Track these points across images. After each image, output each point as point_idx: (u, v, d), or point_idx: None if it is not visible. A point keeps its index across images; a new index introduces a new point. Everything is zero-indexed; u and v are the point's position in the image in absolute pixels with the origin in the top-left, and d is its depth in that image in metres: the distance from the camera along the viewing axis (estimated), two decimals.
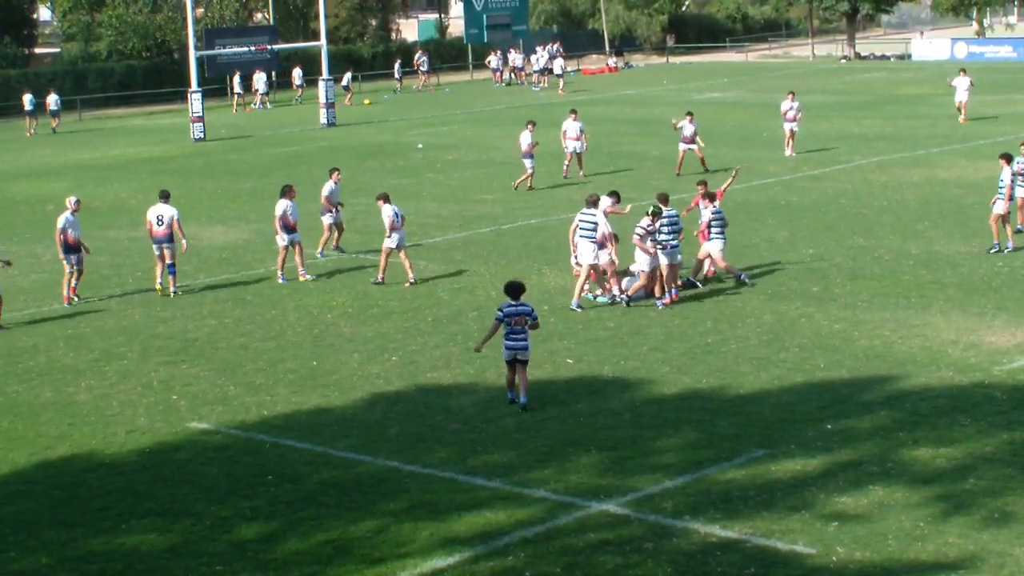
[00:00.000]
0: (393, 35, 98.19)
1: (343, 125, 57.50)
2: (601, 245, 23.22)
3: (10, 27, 78.14)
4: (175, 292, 25.40)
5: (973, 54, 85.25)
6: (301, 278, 26.16)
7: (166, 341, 22.13)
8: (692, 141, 38.79)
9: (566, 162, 38.81)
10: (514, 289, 17.90)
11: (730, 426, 16.78)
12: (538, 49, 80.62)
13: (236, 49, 64.90)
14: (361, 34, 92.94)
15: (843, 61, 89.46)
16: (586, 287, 23.57)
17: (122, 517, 14.48)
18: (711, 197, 24.44)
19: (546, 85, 75.66)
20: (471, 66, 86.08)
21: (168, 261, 25.36)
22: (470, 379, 19.35)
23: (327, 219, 28.70)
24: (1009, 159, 27.38)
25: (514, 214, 33.33)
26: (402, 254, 25.58)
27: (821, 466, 15.25)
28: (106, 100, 71.52)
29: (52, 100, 61.01)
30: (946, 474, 14.92)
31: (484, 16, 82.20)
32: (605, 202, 24.48)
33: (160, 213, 25.45)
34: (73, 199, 25.39)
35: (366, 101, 68.19)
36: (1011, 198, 27.06)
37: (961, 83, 50.07)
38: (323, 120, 57.77)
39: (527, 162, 37.09)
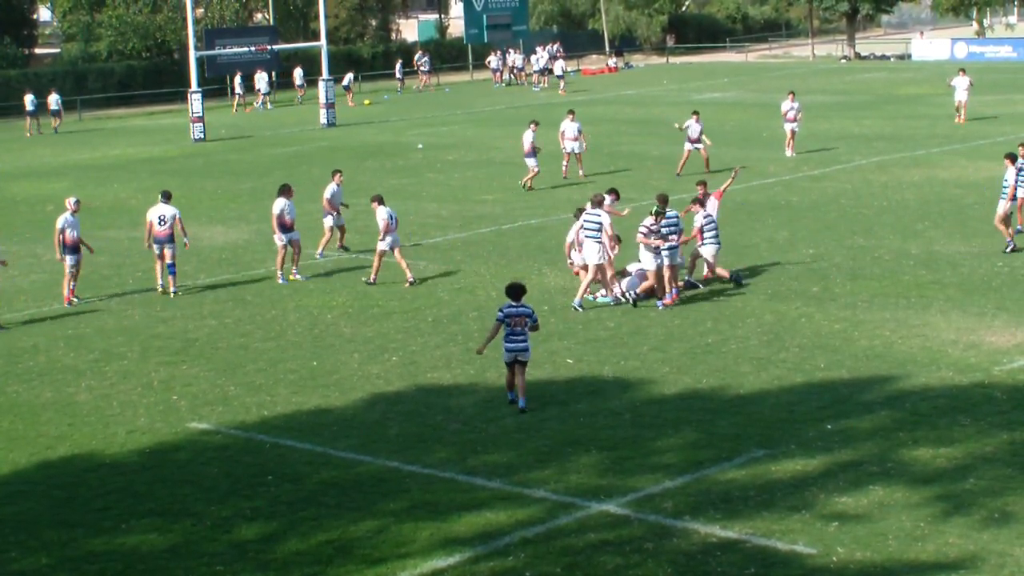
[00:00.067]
0: (393, 35, 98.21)
1: (343, 125, 57.51)
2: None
3: (10, 27, 78.16)
4: (175, 292, 25.41)
5: (973, 54, 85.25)
6: (292, 276, 26.22)
7: (166, 341, 22.14)
8: (698, 141, 38.78)
9: (564, 162, 38.81)
10: (515, 290, 17.90)
11: (730, 426, 16.78)
12: (538, 49, 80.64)
13: (236, 49, 64.93)
14: (361, 34, 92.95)
15: (843, 61, 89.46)
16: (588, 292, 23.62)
17: (122, 517, 14.48)
18: (701, 203, 24.47)
19: (546, 85, 75.67)
20: (471, 66, 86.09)
21: (168, 261, 25.38)
22: (470, 379, 19.36)
23: (328, 221, 28.70)
24: (1014, 159, 27.31)
25: (514, 214, 33.33)
26: (397, 254, 25.58)
27: (821, 466, 15.25)
28: (106, 100, 71.53)
29: (53, 100, 61.01)
30: (946, 474, 14.92)
31: (484, 16, 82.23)
32: (606, 199, 24.49)
33: (162, 213, 25.48)
34: (73, 200, 25.40)
35: (366, 101, 68.20)
36: (1013, 198, 26.97)
37: (960, 83, 50.07)
38: (323, 120, 57.78)
39: (529, 161, 37.09)
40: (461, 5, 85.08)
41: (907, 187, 35.44)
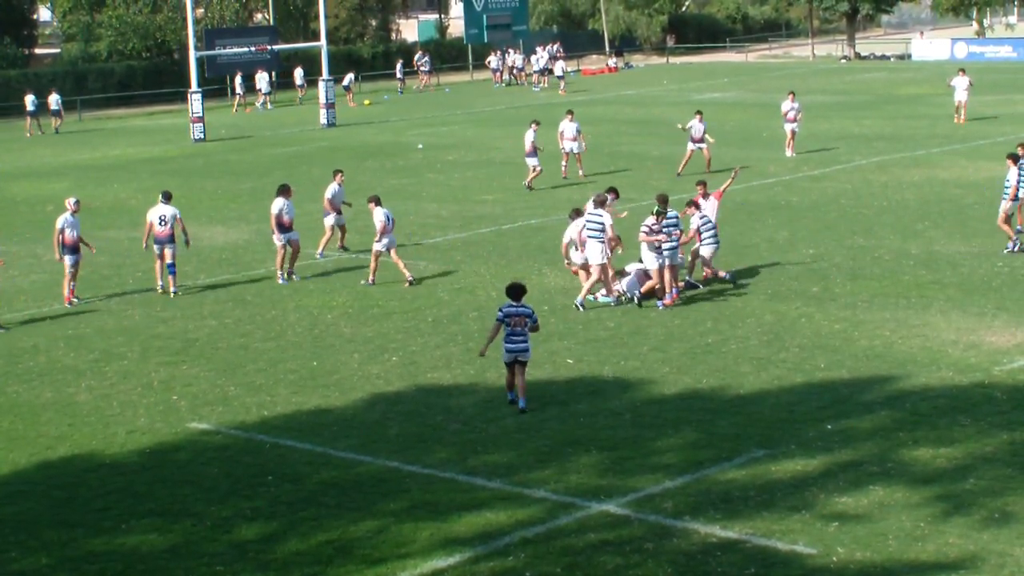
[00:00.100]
0: (393, 35, 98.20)
1: (343, 125, 57.51)
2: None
3: (10, 27, 78.15)
4: (175, 292, 25.41)
5: (973, 54, 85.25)
6: (277, 277, 26.29)
7: (166, 341, 22.14)
8: (701, 140, 38.78)
9: (563, 163, 38.81)
10: (515, 291, 17.90)
11: (730, 426, 16.78)
12: (538, 49, 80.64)
13: (236, 49, 64.92)
14: (361, 34, 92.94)
15: (843, 61, 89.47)
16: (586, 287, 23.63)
17: (122, 517, 14.48)
18: (696, 206, 24.48)
19: (546, 85, 75.67)
20: (471, 66, 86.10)
21: (168, 261, 25.39)
22: (470, 379, 19.36)
23: (329, 220, 28.71)
24: (1016, 159, 27.22)
25: (514, 214, 33.33)
26: (393, 255, 25.59)
27: (821, 466, 15.25)
28: (106, 100, 71.52)
29: (53, 100, 61.00)
30: (946, 474, 14.92)
31: (484, 16, 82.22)
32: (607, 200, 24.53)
33: (163, 213, 25.51)
34: (73, 200, 25.41)
35: (366, 102, 68.20)
36: (1015, 198, 26.89)
37: (960, 83, 50.08)
38: (323, 120, 57.78)
39: (530, 161, 37.09)
40: (461, 5, 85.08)
41: (907, 187, 35.45)
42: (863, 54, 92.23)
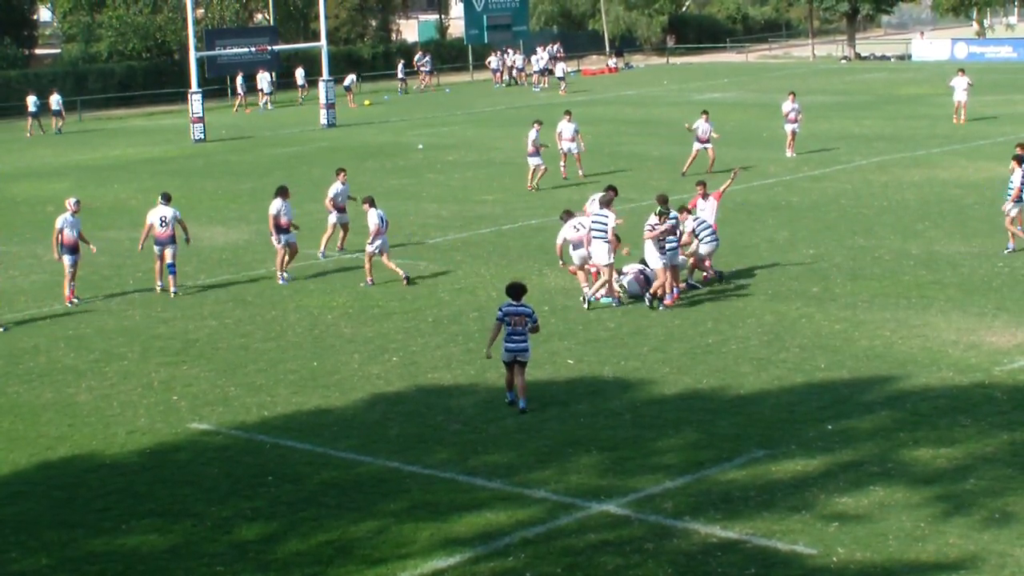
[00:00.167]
0: (393, 36, 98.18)
1: (343, 126, 57.51)
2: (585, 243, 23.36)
3: (10, 28, 78.15)
4: (175, 292, 25.42)
5: (973, 54, 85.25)
6: (276, 276, 26.34)
7: (167, 342, 22.14)
8: (707, 140, 38.79)
9: (562, 163, 38.80)
10: (515, 290, 17.89)
11: (730, 426, 16.78)
12: (538, 50, 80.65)
13: (236, 50, 64.92)
14: (361, 35, 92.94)
15: (843, 61, 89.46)
16: (585, 287, 23.62)
17: (123, 518, 14.48)
18: (689, 211, 24.50)
19: (546, 86, 75.68)
20: (471, 67, 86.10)
21: (169, 261, 25.40)
22: (471, 380, 19.36)
23: (332, 219, 28.71)
24: (1020, 161, 27.10)
25: (514, 215, 33.33)
26: (384, 259, 25.60)
27: (822, 466, 15.25)
28: (106, 101, 71.52)
29: (54, 100, 60.99)
30: (947, 474, 14.92)
31: (484, 17, 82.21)
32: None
33: (163, 214, 25.52)
34: (73, 200, 25.41)
35: (366, 102, 68.20)
36: (1018, 199, 26.76)
37: (959, 83, 50.09)
38: (323, 121, 57.77)
39: (532, 160, 37.08)
40: (461, 5, 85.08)
41: (907, 187, 35.44)
42: (863, 54, 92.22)
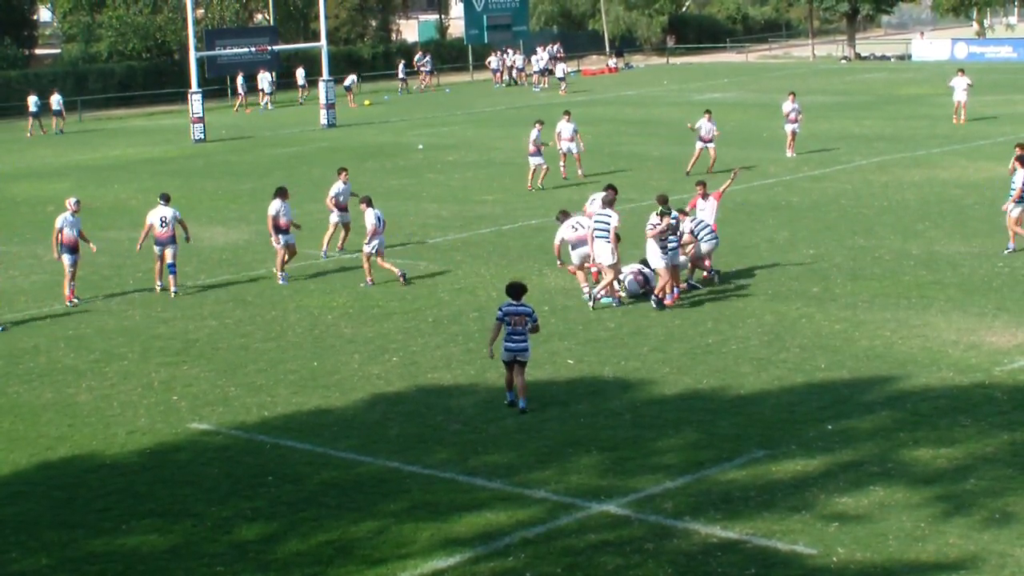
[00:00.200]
0: (393, 36, 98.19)
1: (343, 126, 57.51)
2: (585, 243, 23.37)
3: (10, 28, 78.16)
4: (175, 292, 25.42)
5: (973, 54, 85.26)
6: (276, 273, 26.33)
7: (167, 342, 22.14)
8: (710, 140, 38.80)
9: (562, 163, 38.81)
10: (515, 290, 17.89)
11: (731, 426, 16.78)
12: (538, 50, 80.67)
13: (236, 50, 64.93)
14: (361, 35, 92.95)
15: (843, 61, 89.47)
16: (585, 287, 23.65)
17: (123, 518, 14.48)
18: (685, 213, 24.52)
19: (546, 86, 75.70)
20: (471, 67, 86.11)
21: (169, 261, 25.41)
22: (471, 380, 19.36)
23: (334, 218, 28.72)
24: (1023, 161, 27.00)
25: (515, 215, 33.33)
26: (379, 258, 25.61)
27: (822, 466, 15.25)
28: (106, 101, 71.53)
29: (55, 101, 61.00)
30: (947, 474, 14.92)
31: (484, 17, 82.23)
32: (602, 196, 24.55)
33: (163, 215, 25.53)
34: (73, 200, 25.43)
35: (366, 102, 68.21)
36: (1021, 199, 26.68)
37: (959, 83, 50.10)
38: (323, 121, 57.77)
39: (533, 160, 37.07)
40: (461, 6, 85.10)
41: (907, 187, 35.44)
42: (863, 54, 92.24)
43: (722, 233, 26.44)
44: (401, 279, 25.42)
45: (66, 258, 24.75)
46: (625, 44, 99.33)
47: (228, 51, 65.16)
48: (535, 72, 77.98)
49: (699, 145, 39.00)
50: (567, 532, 13.72)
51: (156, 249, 25.59)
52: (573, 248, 23.83)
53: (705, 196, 25.57)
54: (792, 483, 14.75)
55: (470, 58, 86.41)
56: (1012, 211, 26.57)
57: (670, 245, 22.89)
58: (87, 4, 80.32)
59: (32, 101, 60.21)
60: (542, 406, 17.79)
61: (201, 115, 54.09)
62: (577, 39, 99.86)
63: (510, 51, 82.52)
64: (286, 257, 26.35)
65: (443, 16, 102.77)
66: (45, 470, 16.22)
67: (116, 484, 15.56)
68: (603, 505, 14.36)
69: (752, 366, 19.43)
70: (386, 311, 23.65)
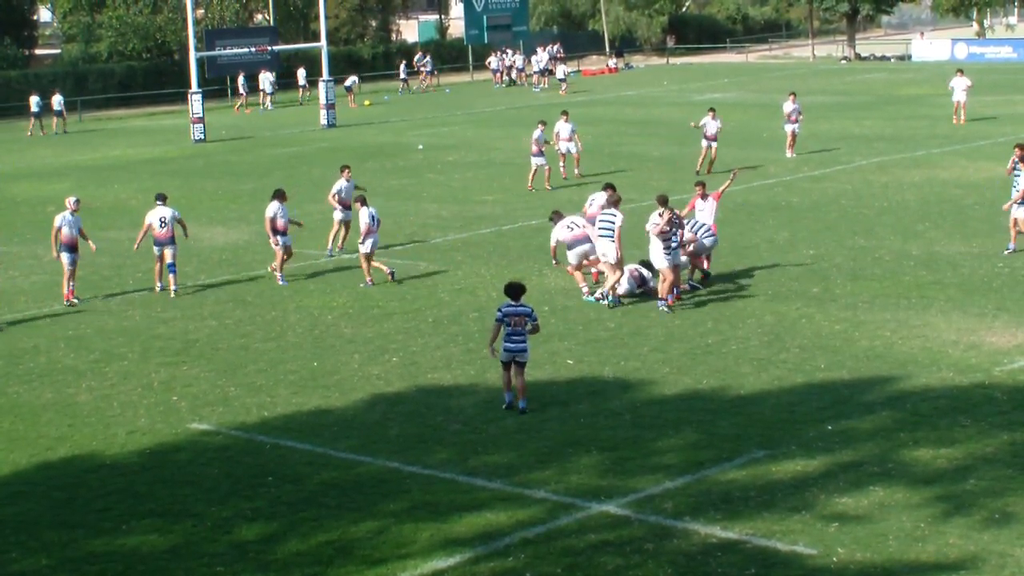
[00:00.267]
0: (393, 36, 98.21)
1: (343, 126, 57.51)
2: (586, 240, 23.36)
3: (10, 28, 78.17)
4: (175, 291, 25.42)
5: (973, 55, 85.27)
6: (273, 272, 26.36)
7: (167, 342, 22.14)
8: (715, 138, 38.80)
9: (561, 164, 38.81)
10: (514, 290, 17.87)
11: (731, 427, 16.78)
12: (538, 50, 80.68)
13: (236, 50, 64.94)
14: (361, 35, 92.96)
15: (843, 62, 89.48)
16: (584, 287, 23.65)
17: (123, 518, 14.48)
18: (680, 218, 24.55)
19: (547, 86, 75.71)
20: (471, 67, 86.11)
21: (169, 261, 25.41)
22: (471, 380, 19.36)
23: (337, 216, 28.73)
24: None
25: (515, 215, 33.33)
26: (371, 259, 25.65)
27: (822, 467, 15.25)
28: (107, 101, 71.53)
29: (56, 101, 61.01)
30: (947, 475, 14.92)
31: (484, 17, 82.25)
32: (602, 196, 24.55)
33: (162, 215, 25.53)
34: (73, 199, 25.44)
35: (366, 102, 68.22)
36: (1022, 200, 26.63)
37: (959, 83, 50.11)
38: (323, 121, 57.78)
39: (535, 160, 37.07)
40: (461, 6, 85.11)
41: (907, 188, 35.45)
42: (863, 55, 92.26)
43: (722, 233, 26.45)
44: (390, 276, 25.44)
45: (65, 257, 24.75)
46: (625, 44, 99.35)
47: (228, 51, 65.18)
48: (535, 72, 77.99)
49: (705, 144, 39.02)
50: (567, 532, 13.72)
51: (156, 249, 25.59)
52: (570, 248, 23.84)
53: (704, 196, 25.55)
54: (792, 483, 14.75)
55: (470, 58, 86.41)
56: (1016, 212, 26.55)
57: (672, 244, 22.87)
58: (87, 4, 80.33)
59: (34, 101, 60.24)
60: (542, 406, 17.79)
61: (201, 115, 54.10)
62: (577, 39, 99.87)
63: (510, 51, 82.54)
64: (285, 258, 26.36)
65: (443, 16, 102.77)
66: (45, 470, 16.22)
67: (116, 484, 15.56)
68: (603, 505, 14.36)
69: (752, 366, 19.43)
70: (386, 311, 23.65)
